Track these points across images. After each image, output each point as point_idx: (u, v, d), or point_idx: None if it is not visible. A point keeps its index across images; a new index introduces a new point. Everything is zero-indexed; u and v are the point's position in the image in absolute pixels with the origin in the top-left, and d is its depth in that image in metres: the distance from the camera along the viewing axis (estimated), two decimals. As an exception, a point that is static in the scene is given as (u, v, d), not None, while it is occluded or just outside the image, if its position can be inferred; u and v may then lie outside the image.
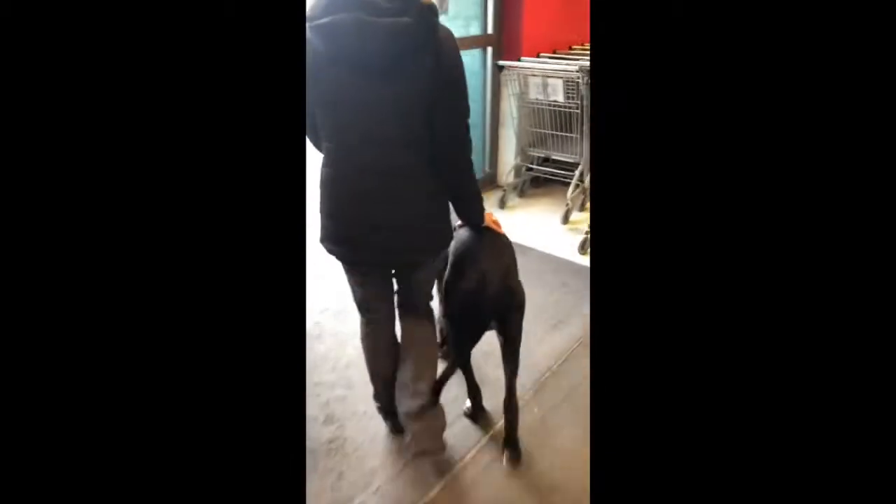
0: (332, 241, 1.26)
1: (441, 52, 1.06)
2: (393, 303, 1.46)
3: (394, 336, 1.49)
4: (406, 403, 1.39)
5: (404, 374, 1.41)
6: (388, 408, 1.53)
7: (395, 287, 1.43)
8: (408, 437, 1.41)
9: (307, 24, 1.04)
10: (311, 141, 1.25)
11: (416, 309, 1.44)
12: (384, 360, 1.46)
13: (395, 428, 1.57)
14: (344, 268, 1.36)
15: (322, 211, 1.24)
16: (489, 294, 1.30)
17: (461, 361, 1.48)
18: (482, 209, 1.32)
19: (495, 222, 1.40)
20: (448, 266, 1.38)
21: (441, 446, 1.45)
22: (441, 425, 1.44)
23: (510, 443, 1.53)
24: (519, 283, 1.40)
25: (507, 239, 1.43)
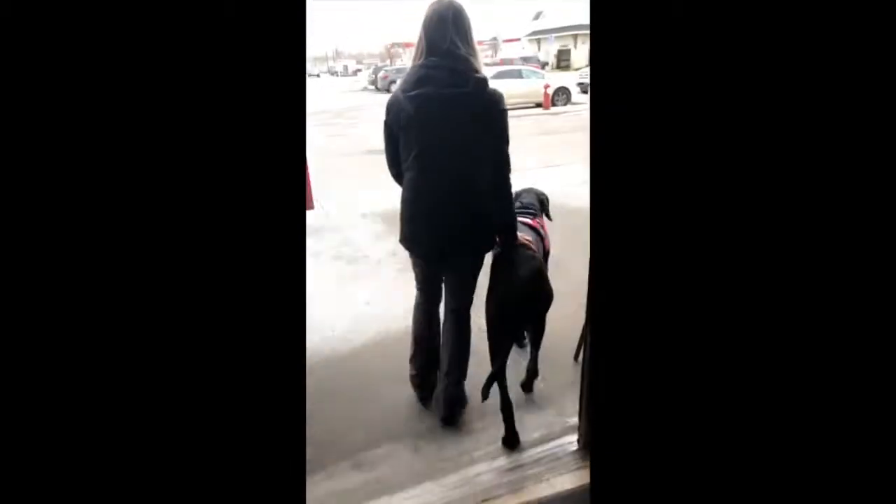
0: (408, 240, 1.77)
1: (490, 109, 1.59)
2: (440, 290, 1.91)
3: (437, 315, 1.97)
4: (442, 383, 1.90)
5: (444, 363, 1.90)
6: (419, 371, 1.98)
7: (444, 288, 1.90)
8: (440, 404, 1.90)
9: (401, 94, 1.60)
10: (393, 173, 1.79)
11: (459, 309, 1.87)
12: (425, 328, 1.94)
13: (422, 396, 2.00)
14: (412, 259, 1.87)
15: (402, 219, 1.75)
16: (527, 297, 1.68)
17: (497, 366, 1.69)
18: (515, 228, 1.76)
19: (526, 239, 1.82)
20: (489, 280, 1.76)
21: (458, 416, 1.92)
22: (463, 404, 1.94)
23: (509, 435, 1.77)
24: (548, 284, 1.77)
25: (534, 252, 1.81)
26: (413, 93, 1.55)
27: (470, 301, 1.87)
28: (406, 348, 2.03)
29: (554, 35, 35.26)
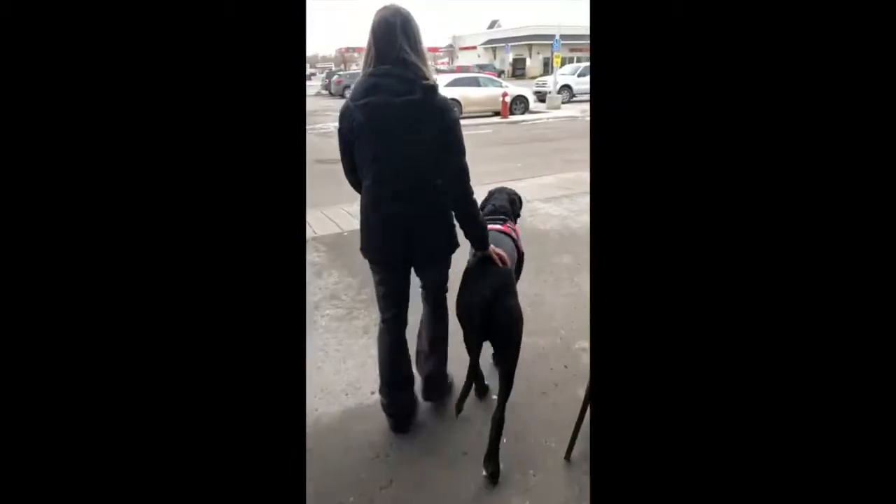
0: (370, 249, 1.75)
1: (441, 116, 1.57)
2: (406, 306, 1.87)
3: (403, 340, 1.89)
4: (423, 365, 1.98)
5: (422, 344, 1.97)
6: (392, 397, 1.89)
7: (421, 282, 1.87)
8: (420, 385, 1.97)
9: (352, 103, 1.57)
10: (350, 180, 1.77)
11: (434, 298, 1.90)
12: (395, 353, 1.87)
13: (399, 425, 1.91)
14: (372, 268, 1.80)
15: (362, 228, 1.74)
16: (486, 307, 1.61)
17: (473, 358, 1.69)
18: (485, 233, 1.72)
19: (497, 254, 1.73)
20: (460, 285, 1.74)
21: (443, 395, 2.03)
22: (447, 385, 2.05)
23: (490, 458, 1.66)
24: (516, 303, 1.67)
25: (505, 268, 1.73)
26: (362, 101, 1.54)
27: (443, 279, 1.86)
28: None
29: (510, 44, 36.16)
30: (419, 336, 1.98)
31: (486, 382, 2.03)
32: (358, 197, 1.74)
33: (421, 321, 1.96)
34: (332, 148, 1.65)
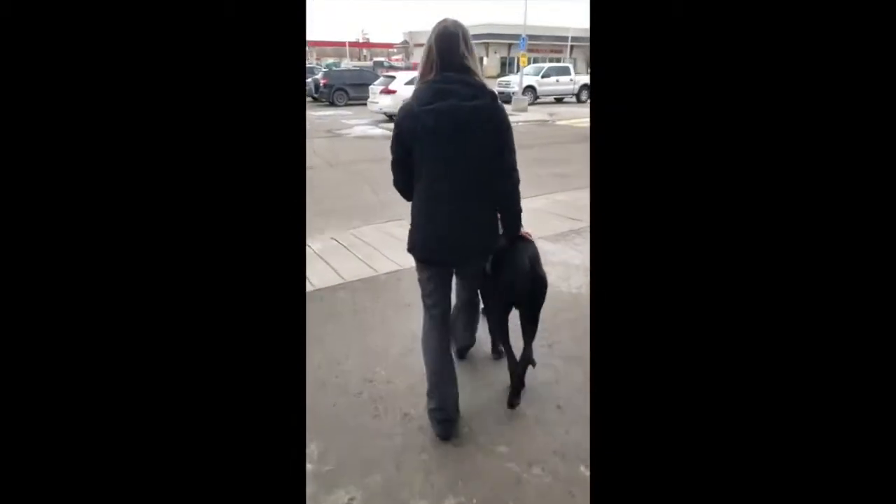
0: (423, 248, 1.84)
1: (501, 119, 1.72)
2: (449, 303, 2.00)
3: (447, 339, 2.01)
4: (460, 339, 2.35)
5: (458, 324, 2.29)
6: (442, 403, 1.92)
7: (454, 284, 2.05)
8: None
9: (418, 107, 1.67)
10: (401, 182, 1.86)
11: (471, 288, 2.17)
12: (444, 354, 1.96)
13: (444, 432, 1.94)
14: (419, 266, 1.93)
15: (415, 228, 1.84)
16: (527, 276, 1.90)
17: (502, 333, 2.06)
18: (521, 223, 1.91)
19: (525, 232, 1.99)
20: (491, 263, 1.98)
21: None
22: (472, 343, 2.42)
23: (516, 390, 2.06)
24: (543, 272, 1.97)
25: (531, 240, 2.01)
26: (431, 106, 1.64)
27: (481, 272, 2.04)
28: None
29: (485, 40, 35.84)
30: (455, 318, 2.21)
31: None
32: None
33: (456, 311, 2.20)
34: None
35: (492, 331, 2.22)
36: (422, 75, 1.71)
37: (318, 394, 2.15)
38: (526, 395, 2.12)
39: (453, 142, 1.66)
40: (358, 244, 3.99)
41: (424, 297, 1.96)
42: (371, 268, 3.51)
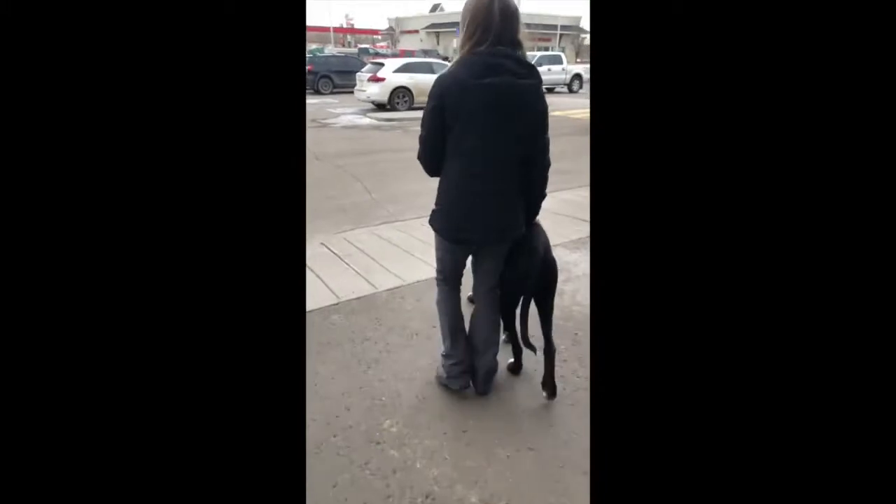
0: (452, 227, 1.77)
1: (544, 100, 1.68)
2: (461, 278, 1.98)
3: (459, 300, 2.01)
4: (479, 361, 2.01)
5: (477, 342, 1.99)
6: (462, 358, 1.98)
7: (474, 269, 1.96)
8: (479, 380, 2.03)
9: (473, 80, 1.55)
10: (429, 159, 1.75)
11: (489, 290, 1.95)
12: (459, 316, 1.99)
13: (464, 384, 2.02)
14: (441, 244, 1.87)
15: (438, 203, 1.78)
16: (541, 263, 1.89)
17: (509, 322, 2.02)
18: (539, 211, 1.91)
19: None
20: (509, 258, 1.92)
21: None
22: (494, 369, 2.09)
23: (548, 383, 2.01)
24: (553, 258, 1.96)
25: (542, 228, 1.96)
26: (486, 80, 1.53)
27: (499, 268, 1.92)
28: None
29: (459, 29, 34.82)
30: (471, 335, 2.00)
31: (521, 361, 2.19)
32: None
33: (472, 322, 2.00)
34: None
35: (507, 324, 2.05)
36: (471, 46, 1.57)
37: (313, 463, 1.67)
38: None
39: (502, 119, 1.58)
40: (352, 252, 3.48)
41: (440, 271, 1.95)
42: (370, 283, 3.02)
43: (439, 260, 1.91)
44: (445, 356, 1.99)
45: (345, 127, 9.89)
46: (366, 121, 10.77)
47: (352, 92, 13.38)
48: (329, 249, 3.52)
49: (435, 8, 49.26)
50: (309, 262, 3.27)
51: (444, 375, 2.02)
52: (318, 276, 3.08)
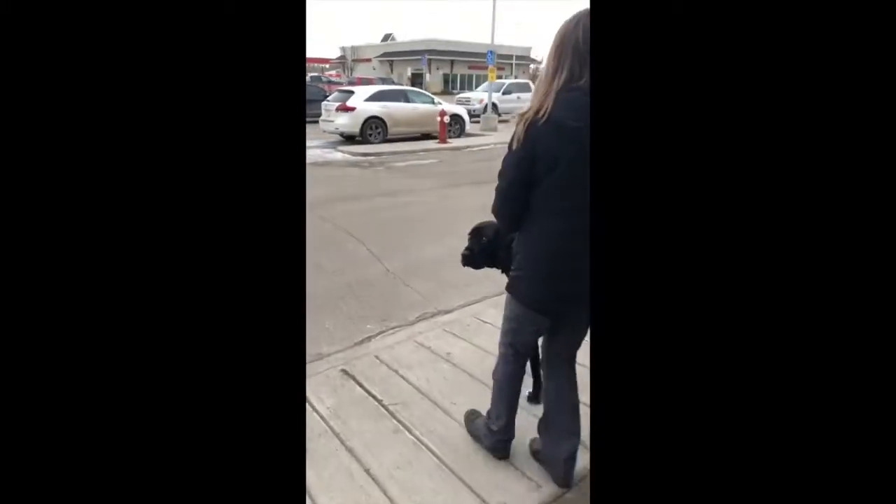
0: (532, 291, 1.51)
1: None
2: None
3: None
4: (563, 445, 1.69)
5: (560, 421, 1.69)
6: (506, 426, 1.75)
7: (549, 337, 1.68)
8: (558, 467, 1.71)
9: (571, 122, 1.30)
10: (509, 214, 1.49)
11: (571, 359, 1.68)
12: (518, 386, 1.75)
13: (505, 452, 1.80)
14: (522, 313, 1.56)
15: (522, 267, 1.52)
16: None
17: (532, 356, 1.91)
18: None
19: None
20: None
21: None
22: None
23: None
24: None
25: None
26: (581, 124, 1.25)
27: (585, 335, 1.69)
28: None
29: (427, 56, 33.80)
30: (547, 421, 1.71)
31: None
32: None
33: (551, 396, 1.71)
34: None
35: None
36: (565, 81, 1.31)
37: None
38: None
39: (584, 168, 1.32)
40: (396, 386, 2.14)
41: (510, 344, 1.66)
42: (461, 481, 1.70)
43: (512, 331, 1.64)
44: (494, 418, 1.76)
45: (316, 164, 8.46)
46: (339, 156, 9.41)
47: (316, 122, 11.96)
48: (364, 389, 2.13)
49: (387, 37, 48.81)
50: (328, 418, 1.91)
51: (487, 445, 1.81)
52: (344, 444, 1.72)
